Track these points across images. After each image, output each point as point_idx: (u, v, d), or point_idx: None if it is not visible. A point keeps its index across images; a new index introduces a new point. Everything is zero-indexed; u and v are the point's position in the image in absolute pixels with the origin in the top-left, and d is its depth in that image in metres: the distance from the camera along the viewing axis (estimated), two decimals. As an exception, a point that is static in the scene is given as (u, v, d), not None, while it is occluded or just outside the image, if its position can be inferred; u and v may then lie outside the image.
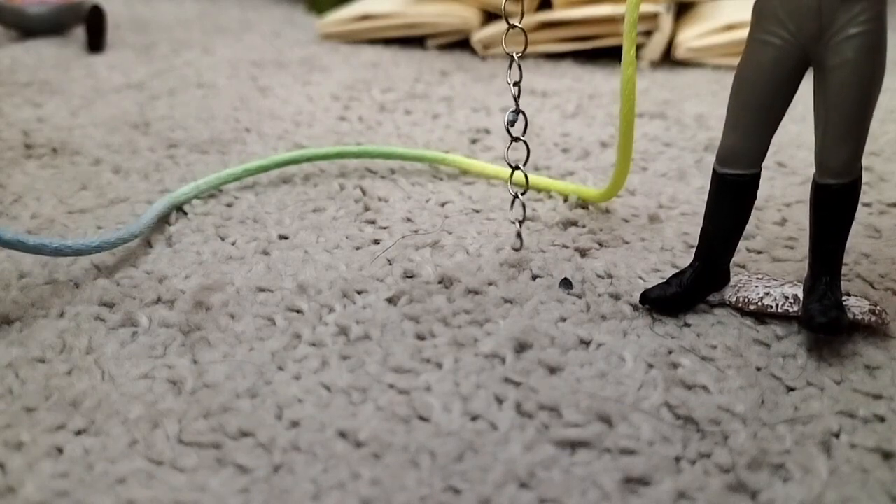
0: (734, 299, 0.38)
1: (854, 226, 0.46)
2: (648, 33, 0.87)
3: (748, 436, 0.30)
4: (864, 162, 0.58)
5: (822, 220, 0.35)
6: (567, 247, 0.45)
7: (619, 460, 0.28)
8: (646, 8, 0.84)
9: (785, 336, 0.36)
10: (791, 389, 0.32)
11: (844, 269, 0.42)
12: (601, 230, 0.47)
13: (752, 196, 0.37)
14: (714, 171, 0.36)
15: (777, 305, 0.37)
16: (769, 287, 0.38)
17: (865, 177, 0.54)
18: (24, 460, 0.29)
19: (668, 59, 0.89)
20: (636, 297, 0.39)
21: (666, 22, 0.87)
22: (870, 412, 0.31)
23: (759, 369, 0.34)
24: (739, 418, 0.31)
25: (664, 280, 0.38)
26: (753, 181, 0.36)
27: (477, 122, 0.68)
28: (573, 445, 0.29)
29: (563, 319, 0.37)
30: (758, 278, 0.39)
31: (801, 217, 0.48)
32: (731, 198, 0.36)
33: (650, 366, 0.34)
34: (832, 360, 0.34)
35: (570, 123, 0.68)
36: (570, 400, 0.31)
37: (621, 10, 0.86)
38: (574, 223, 0.48)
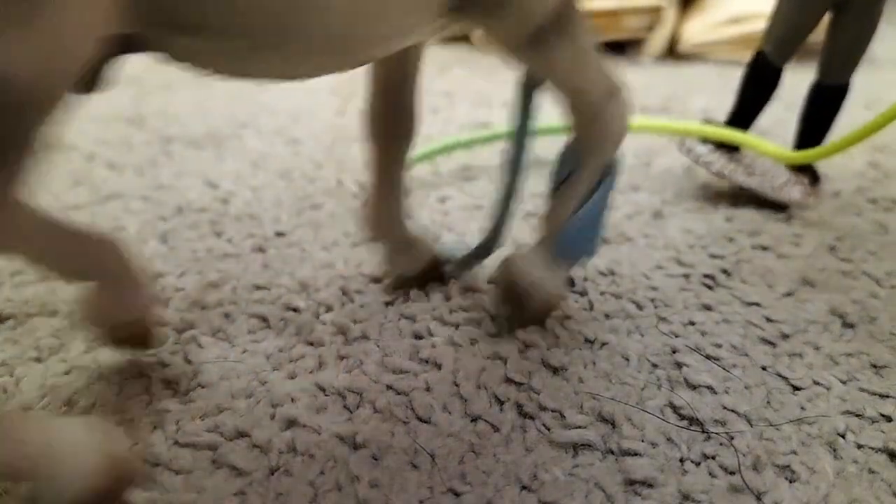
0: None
1: (860, 222, 0.46)
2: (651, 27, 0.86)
3: (754, 436, 0.29)
4: (869, 158, 0.58)
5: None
6: (569, 243, 0.44)
7: (623, 462, 0.28)
8: (649, 1, 0.83)
9: (791, 334, 0.35)
10: (797, 389, 0.32)
11: (850, 267, 0.41)
12: (603, 226, 0.46)
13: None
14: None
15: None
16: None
17: (870, 173, 0.54)
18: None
19: (672, 52, 0.88)
20: (640, 295, 0.38)
21: (669, 16, 0.86)
22: (877, 412, 0.31)
23: (764, 368, 0.33)
24: (745, 418, 0.30)
25: None
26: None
27: (478, 116, 0.68)
28: (576, 447, 0.29)
29: (566, 318, 0.37)
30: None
31: (808, 213, 0.48)
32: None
33: (654, 365, 0.33)
34: (839, 358, 0.34)
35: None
36: (572, 401, 0.31)
37: (625, 4, 0.85)
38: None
